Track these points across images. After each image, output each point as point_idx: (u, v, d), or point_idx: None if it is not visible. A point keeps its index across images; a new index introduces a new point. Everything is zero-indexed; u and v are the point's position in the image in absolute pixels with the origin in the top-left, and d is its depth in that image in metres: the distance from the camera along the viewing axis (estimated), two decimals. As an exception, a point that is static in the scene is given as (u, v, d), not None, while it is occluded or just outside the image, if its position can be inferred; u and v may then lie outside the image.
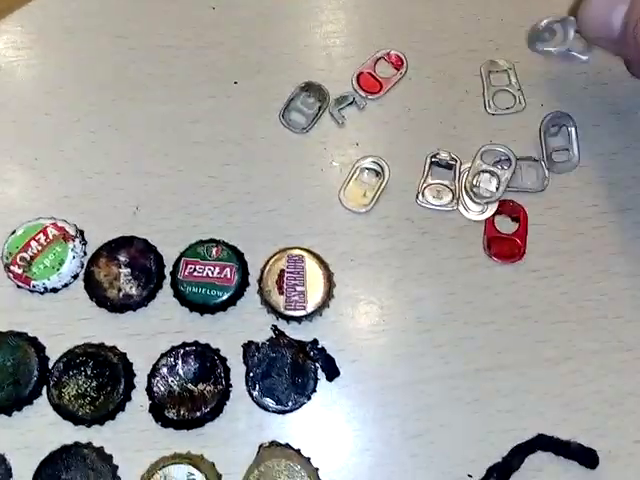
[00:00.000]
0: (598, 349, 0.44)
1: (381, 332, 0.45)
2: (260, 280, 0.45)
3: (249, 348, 0.44)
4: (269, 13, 0.56)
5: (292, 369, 0.43)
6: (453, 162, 0.50)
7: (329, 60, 0.54)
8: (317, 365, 0.43)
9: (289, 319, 0.45)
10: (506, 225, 0.48)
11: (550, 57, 0.51)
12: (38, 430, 0.42)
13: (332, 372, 0.43)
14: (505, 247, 0.47)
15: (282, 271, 0.45)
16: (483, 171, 0.49)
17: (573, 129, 0.50)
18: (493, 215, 0.48)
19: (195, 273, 0.45)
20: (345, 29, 0.55)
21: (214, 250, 0.46)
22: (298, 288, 0.45)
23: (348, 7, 0.57)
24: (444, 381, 0.44)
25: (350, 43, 0.55)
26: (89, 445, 0.41)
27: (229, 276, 0.45)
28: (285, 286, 0.45)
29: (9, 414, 0.42)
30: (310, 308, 0.44)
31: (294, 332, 0.45)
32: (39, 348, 0.43)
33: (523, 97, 0.52)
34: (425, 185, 0.49)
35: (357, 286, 0.47)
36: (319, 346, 0.44)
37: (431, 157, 0.50)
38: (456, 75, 0.53)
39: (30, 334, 0.44)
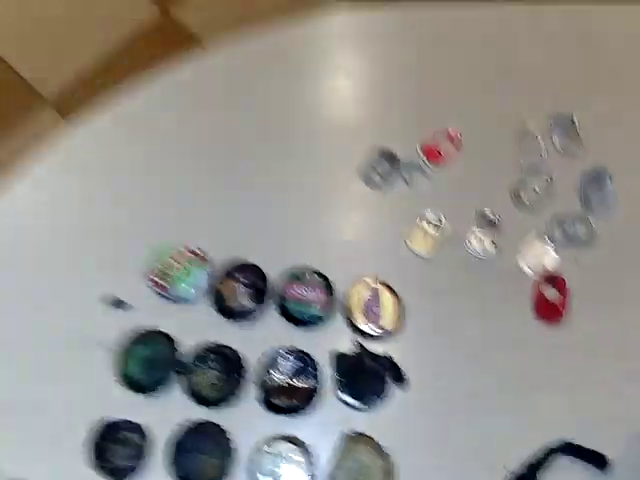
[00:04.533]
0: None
1: (440, 360, 0.58)
2: (345, 304, 0.58)
3: (339, 357, 0.56)
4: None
5: (370, 376, 0.55)
6: (496, 219, 0.63)
7: (401, 130, 0.68)
8: (388, 375, 0.55)
9: (368, 337, 0.57)
10: (550, 292, 0.60)
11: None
12: (172, 408, 0.54)
13: (400, 380, 0.55)
14: (549, 311, 0.59)
15: (364, 297, 0.58)
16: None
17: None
18: (540, 284, 0.60)
19: (295, 293, 0.58)
20: (414, 104, 0.69)
21: (311, 276, 0.58)
22: (377, 313, 0.57)
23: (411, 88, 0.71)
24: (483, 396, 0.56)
25: (418, 117, 0.68)
26: (216, 424, 0.53)
27: (321, 297, 0.58)
28: (366, 310, 0.57)
29: (152, 394, 0.55)
30: (385, 331, 0.57)
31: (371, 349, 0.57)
32: (174, 345, 0.56)
33: (547, 154, 0.66)
34: (473, 237, 0.62)
35: (425, 318, 0.59)
36: (390, 359, 0.56)
37: (479, 214, 0.63)
38: (502, 153, 0.67)
39: (169, 333, 0.56)
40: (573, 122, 0.68)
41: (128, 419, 0.53)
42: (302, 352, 0.56)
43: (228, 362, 0.55)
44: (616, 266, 0.61)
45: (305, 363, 0.55)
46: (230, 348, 0.56)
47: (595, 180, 0.65)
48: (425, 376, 0.56)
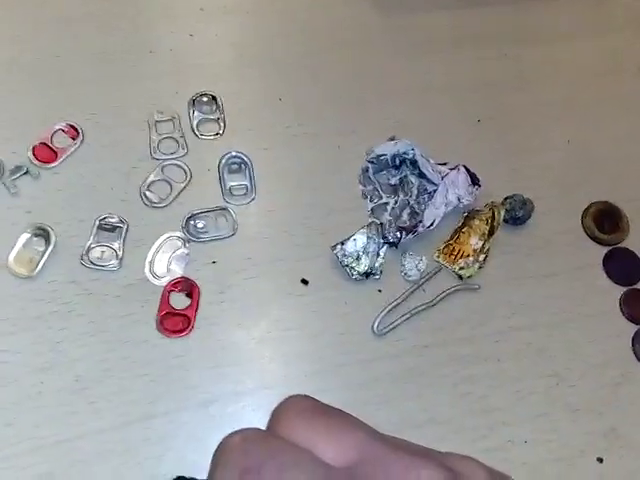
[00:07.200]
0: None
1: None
2: None
3: None
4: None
5: None
6: (120, 225, 0.53)
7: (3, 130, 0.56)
8: None
9: None
10: (181, 301, 0.52)
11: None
12: None
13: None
14: (177, 322, 0.50)
15: None
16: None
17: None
18: (169, 292, 0.51)
19: None
20: (19, 103, 0.58)
21: None
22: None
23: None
24: (96, 436, 0.46)
25: (25, 117, 0.57)
26: None
27: None
28: None
29: None
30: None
31: None
32: None
33: (186, 144, 0.57)
34: (91, 247, 0.52)
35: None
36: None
37: (99, 220, 0.53)
38: (132, 144, 0.57)
39: None
40: (214, 99, 0.60)
41: None
42: None
43: None
44: (251, 266, 0.54)
45: None
46: None
47: (236, 165, 0.57)
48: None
